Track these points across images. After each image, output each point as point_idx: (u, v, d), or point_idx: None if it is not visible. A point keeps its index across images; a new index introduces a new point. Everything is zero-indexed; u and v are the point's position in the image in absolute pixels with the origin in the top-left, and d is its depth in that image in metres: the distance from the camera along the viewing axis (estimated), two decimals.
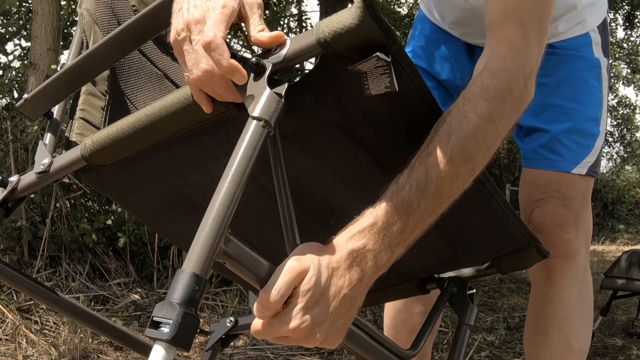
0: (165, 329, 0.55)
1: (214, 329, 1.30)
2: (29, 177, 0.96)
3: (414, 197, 0.72)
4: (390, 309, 1.51)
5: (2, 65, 4.03)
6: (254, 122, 0.66)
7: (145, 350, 1.12)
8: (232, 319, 1.24)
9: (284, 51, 0.69)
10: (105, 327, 1.08)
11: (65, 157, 0.91)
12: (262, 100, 0.67)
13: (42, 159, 0.95)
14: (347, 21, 0.65)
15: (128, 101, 1.17)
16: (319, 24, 0.68)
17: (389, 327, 1.50)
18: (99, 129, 1.05)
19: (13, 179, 0.98)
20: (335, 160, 0.86)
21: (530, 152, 1.29)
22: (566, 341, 1.27)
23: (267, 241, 1.01)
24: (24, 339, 2.27)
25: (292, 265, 0.65)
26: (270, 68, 0.69)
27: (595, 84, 1.27)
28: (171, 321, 0.55)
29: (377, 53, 0.67)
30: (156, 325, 0.57)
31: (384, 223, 0.70)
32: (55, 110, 1.05)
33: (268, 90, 0.67)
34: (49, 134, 1.02)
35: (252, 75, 0.69)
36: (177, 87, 1.29)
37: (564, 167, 1.25)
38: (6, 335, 2.27)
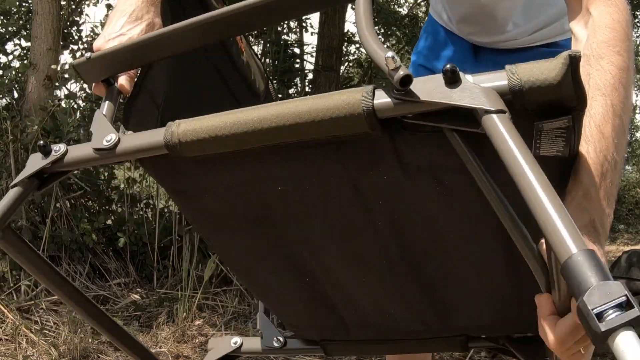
0: (620, 312, 0.45)
1: (213, 346, 1.18)
2: (81, 150, 0.80)
3: (602, 155, 0.74)
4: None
5: (2, 65, 4.03)
6: (495, 116, 0.58)
7: (145, 355, 1.02)
8: (237, 339, 1.12)
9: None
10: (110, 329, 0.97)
11: (139, 139, 0.77)
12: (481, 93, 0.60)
13: (105, 133, 0.80)
14: (549, 75, 0.60)
15: (179, 100, 1.08)
16: (514, 69, 0.62)
17: None
18: (155, 113, 0.94)
19: (60, 147, 0.81)
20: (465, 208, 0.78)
21: None
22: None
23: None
24: (24, 339, 2.27)
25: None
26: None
27: None
28: (623, 299, 0.46)
29: (571, 115, 0.62)
30: (599, 316, 0.46)
31: (592, 188, 0.72)
32: (120, 79, 0.92)
33: (480, 86, 0.61)
34: (107, 103, 0.89)
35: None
36: (238, 102, 1.23)
37: None
38: (6, 335, 2.27)
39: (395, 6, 6.21)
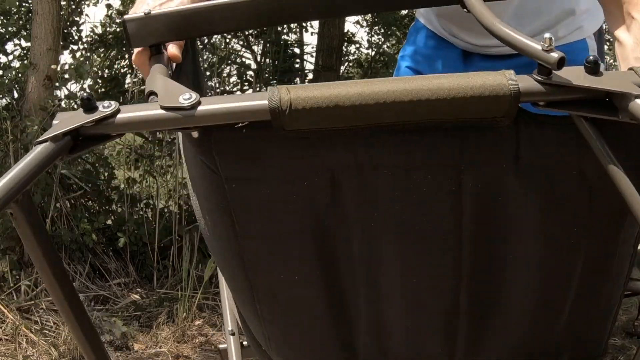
0: None
1: None
2: (141, 110, 0.65)
3: None
4: None
5: (2, 65, 4.03)
6: None
7: None
8: None
9: None
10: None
11: (227, 101, 0.64)
12: None
13: (179, 92, 0.65)
14: None
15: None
16: None
17: None
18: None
19: (110, 103, 0.65)
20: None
21: None
22: None
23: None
24: (24, 339, 2.27)
25: None
26: None
27: None
28: None
29: None
30: None
31: None
32: (171, 47, 0.80)
33: None
34: (158, 66, 0.76)
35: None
36: None
37: None
38: (6, 335, 2.27)
39: None
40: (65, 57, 4.38)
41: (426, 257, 0.77)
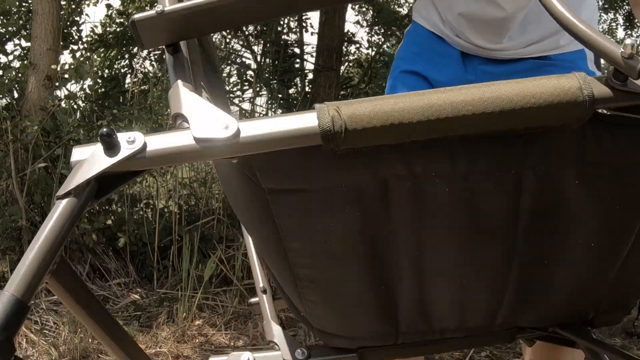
0: None
1: None
2: (174, 141, 0.58)
3: None
4: None
5: (2, 65, 4.03)
6: None
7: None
8: (248, 356, 0.90)
9: None
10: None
11: (270, 126, 0.58)
12: None
13: (213, 118, 0.58)
14: None
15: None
16: None
17: None
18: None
19: (133, 137, 0.57)
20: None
21: None
22: None
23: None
24: (24, 339, 2.27)
25: None
26: None
27: None
28: None
29: None
30: None
31: None
32: (184, 47, 0.73)
33: None
34: (179, 74, 0.69)
35: None
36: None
37: None
38: None
39: (395, 6, 6.21)
40: (65, 57, 4.38)
41: (479, 245, 0.74)
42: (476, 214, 0.70)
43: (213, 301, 2.99)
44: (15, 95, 3.65)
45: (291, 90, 5.29)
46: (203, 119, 0.59)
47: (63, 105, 3.46)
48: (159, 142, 0.58)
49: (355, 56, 5.99)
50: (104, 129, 0.57)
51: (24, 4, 4.56)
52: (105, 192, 0.60)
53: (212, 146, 0.58)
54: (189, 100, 0.63)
